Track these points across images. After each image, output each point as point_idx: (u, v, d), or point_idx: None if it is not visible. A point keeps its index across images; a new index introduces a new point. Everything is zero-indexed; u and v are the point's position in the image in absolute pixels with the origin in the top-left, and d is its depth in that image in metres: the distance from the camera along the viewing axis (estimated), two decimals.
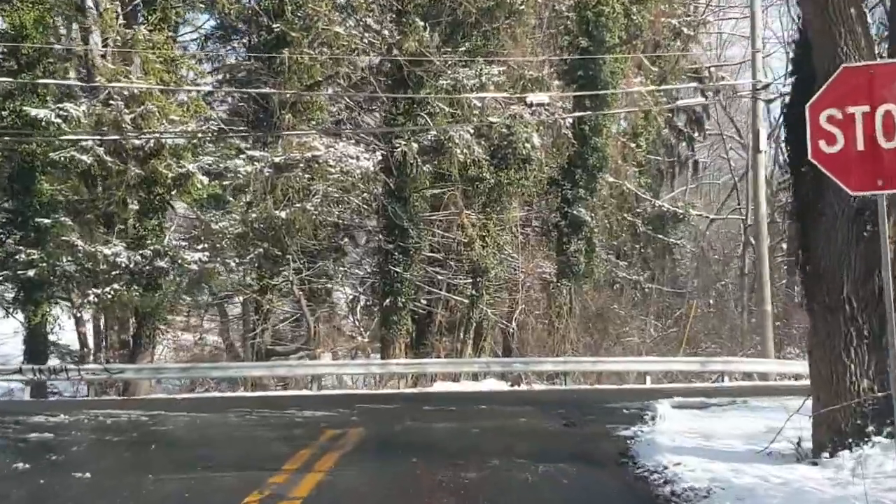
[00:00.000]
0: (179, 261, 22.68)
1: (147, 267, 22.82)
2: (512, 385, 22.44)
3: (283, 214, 23.04)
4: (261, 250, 23.77)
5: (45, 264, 21.83)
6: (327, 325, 32.34)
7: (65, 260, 22.46)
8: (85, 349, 27.44)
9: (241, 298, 27.27)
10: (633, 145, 30.47)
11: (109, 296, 22.38)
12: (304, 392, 21.04)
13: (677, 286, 33.59)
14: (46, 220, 22.38)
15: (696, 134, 40.30)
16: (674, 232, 32.98)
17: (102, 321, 25.83)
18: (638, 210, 31.76)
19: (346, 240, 31.65)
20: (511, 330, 31.43)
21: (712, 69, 39.00)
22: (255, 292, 25.66)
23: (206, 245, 23.39)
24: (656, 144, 33.42)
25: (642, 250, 32.19)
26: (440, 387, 22.01)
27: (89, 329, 26.33)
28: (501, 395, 19.99)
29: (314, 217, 23.46)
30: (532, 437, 12.05)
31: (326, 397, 19.71)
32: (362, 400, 18.54)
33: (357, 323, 31.70)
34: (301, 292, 24.78)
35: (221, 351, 28.00)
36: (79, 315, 25.58)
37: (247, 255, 23.81)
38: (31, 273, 21.79)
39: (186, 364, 22.09)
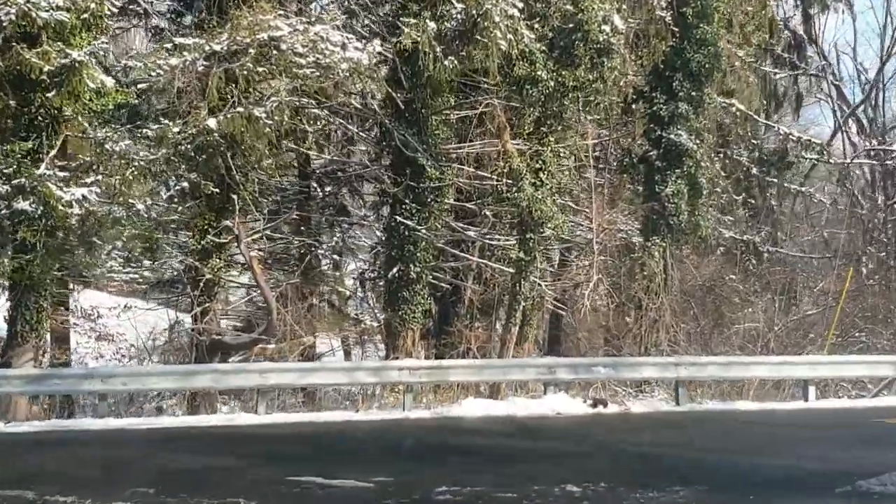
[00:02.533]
0: (51, 201, 13.98)
1: (4, 211, 14.20)
2: (595, 405, 13.43)
3: (212, 123, 14.19)
4: (185, 185, 14.94)
5: None
6: (327, 305, 24.00)
7: None
8: None
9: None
10: (740, 53, 21.18)
11: None
12: (241, 419, 12.25)
13: (805, 250, 24.24)
14: None
15: (799, 62, 31.51)
16: (788, 177, 23.62)
17: None
18: (754, 141, 22.66)
19: (343, 191, 23.06)
20: (569, 312, 22.75)
21: None
22: (192, 254, 17.00)
23: (98, 178, 14.61)
24: (765, 55, 24.13)
25: (751, 201, 22.97)
26: (473, 407, 13.15)
27: None
28: (597, 437, 10.86)
29: (268, 131, 14.52)
30: None
31: (257, 437, 10.91)
32: (319, 448, 9.80)
33: (370, 301, 23.21)
34: (255, 254, 15.93)
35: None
36: None
37: (165, 192, 15.02)
38: None
39: (37, 372, 13.31)
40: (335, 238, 23.38)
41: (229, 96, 14.97)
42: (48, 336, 19.60)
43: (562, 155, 17.39)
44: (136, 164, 14.77)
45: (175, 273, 19.70)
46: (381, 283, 20.42)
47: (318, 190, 22.61)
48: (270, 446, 9.96)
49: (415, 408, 13.48)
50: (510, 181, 17.04)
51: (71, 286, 20.80)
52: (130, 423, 11.96)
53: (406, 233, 17.54)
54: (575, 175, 18.32)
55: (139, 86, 15.99)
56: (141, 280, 19.85)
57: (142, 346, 19.28)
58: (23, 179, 14.15)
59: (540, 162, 16.94)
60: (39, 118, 14.91)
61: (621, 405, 13.79)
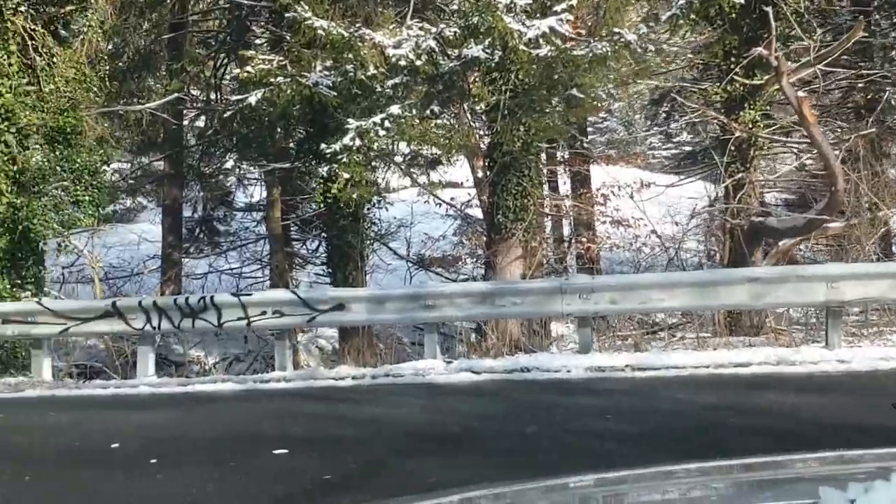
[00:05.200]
0: (510, 41, 10.06)
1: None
2: None
3: None
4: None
5: None
6: None
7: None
8: None
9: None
10: None
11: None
12: (805, 356, 7.30)
13: None
14: None
15: None
16: None
17: None
18: None
19: None
20: None
21: None
22: (715, 106, 12.17)
23: (573, 3, 10.29)
24: None
25: None
26: None
27: None
28: None
29: None
30: None
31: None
32: None
33: None
34: (804, 95, 10.47)
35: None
36: None
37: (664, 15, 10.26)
38: None
39: (482, 288, 9.15)
40: None
41: None
42: (547, 224, 16.30)
43: None
44: None
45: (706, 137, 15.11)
46: None
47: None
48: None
49: None
50: None
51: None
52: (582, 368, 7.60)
53: None
54: None
55: None
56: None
57: (668, 233, 15.10)
58: (476, 18, 10.47)
59: None
60: None
61: None
